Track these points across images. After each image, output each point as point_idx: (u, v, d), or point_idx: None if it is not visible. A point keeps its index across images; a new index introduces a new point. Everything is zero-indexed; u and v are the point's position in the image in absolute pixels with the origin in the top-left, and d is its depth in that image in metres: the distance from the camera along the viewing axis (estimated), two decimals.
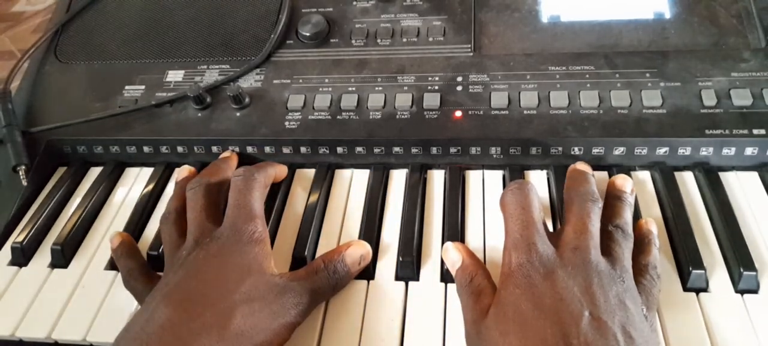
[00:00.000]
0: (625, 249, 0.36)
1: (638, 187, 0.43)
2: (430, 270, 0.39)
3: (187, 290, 0.35)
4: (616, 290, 0.33)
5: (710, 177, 0.42)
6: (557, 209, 0.42)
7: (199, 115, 0.49)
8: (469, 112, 0.46)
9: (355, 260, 0.39)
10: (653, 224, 0.39)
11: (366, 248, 0.40)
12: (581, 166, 0.42)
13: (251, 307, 0.34)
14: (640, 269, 0.36)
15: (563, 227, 0.37)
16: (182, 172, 0.46)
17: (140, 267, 0.41)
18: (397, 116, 0.46)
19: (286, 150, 0.48)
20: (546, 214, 0.42)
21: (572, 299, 0.31)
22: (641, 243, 0.37)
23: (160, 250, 0.42)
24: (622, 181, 0.40)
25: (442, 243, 0.41)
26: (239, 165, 0.46)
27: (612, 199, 0.39)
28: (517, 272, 0.34)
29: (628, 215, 0.38)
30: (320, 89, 0.49)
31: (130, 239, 0.43)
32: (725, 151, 0.42)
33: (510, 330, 0.32)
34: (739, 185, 0.42)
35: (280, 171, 0.46)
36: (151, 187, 0.48)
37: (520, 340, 0.31)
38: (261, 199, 0.41)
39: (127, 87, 0.52)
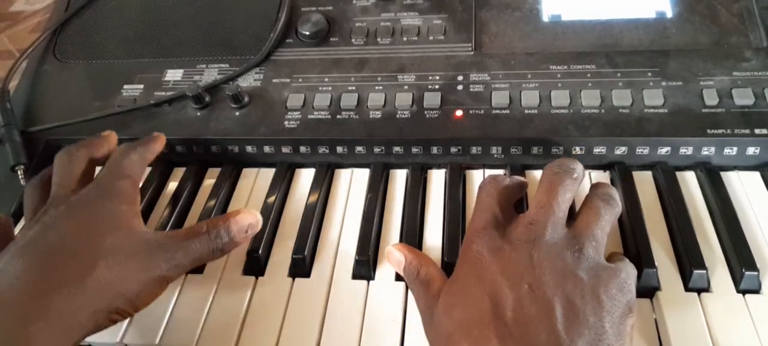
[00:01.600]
0: (601, 217, 0.34)
1: (640, 187, 0.43)
2: None
3: (45, 242, 0.33)
4: (566, 262, 0.31)
5: (712, 177, 0.42)
6: None
7: (198, 114, 0.49)
8: (470, 112, 0.45)
9: (241, 227, 0.37)
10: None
11: (256, 217, 0.39)
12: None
13: (116, 258, 0.33)
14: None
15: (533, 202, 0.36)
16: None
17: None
18: (398, 116, 0.46)
19: (285, 149, 0.47)
20: None
21: (513, 271, 0.31)
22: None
23: None
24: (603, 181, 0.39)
25: (443, 243, 0.40)
26: (238, 163, 0.46)
27: (596, 186, 0.38)
28: (467, 250, 0.34)
29: (614, 191, 0.37)
30: (320, 88, 0.49)
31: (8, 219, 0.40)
32: (727, 150, 0.42)
33: (455, 304, 0.32)
34: (741, 185, 0.42)
35: (159, 142, 0.44)
36: (150, 186, 0.48)
37: (461, 312, 0.31)
38: (139, 166, 0.40)
39: (125, 86, 0.52)
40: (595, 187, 0.37)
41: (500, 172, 0.45)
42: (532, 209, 0.35)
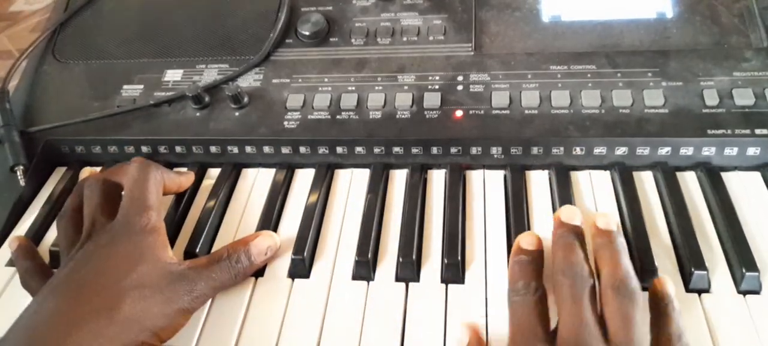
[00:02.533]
0: (633, 319, 0.31)
1: (640, 187, 0.43)
2: (430, 271, 0.39)
3: (76, 279, 0.35)
4: None
5: (712, 177, 0.42)
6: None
7: (198, 114, 0.49)
8: (470, 112, 0.45)
9: (261, 250, 0.39)
10: (670, 284, 0.33)
11: (274, 239, 0.40)
12: (566, 214, 0.37)
13: (142, 292, 0.34)
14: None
15: (559, 318, 0.33)
16: (86, 172, 0.47)
17: (37, 266, 0.41)
18: (397, 116, 0.46)
19: (285, 150, 0.47)
20: (544, 216, 0.42)
21: None
22: (657, 309, 0.33)
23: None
24: (604, 221, 0.36)
25: (443, 243, 0.40)
26: (237, 164, 0.45)
27: (600, 248, 0.35)
28: None
29: (625, 263, 0.33)
30: (320, 89, 0.49)
31: (28, 242, 0.43)
32: (727, 151, 0.42)
33: None
34: (742, 185, 0.42)
35: (185, 180, 0.46)
36: None
37: None
38: (157, 192, 0.40)
39: (125, 87, 0.52)
40: (608, 279, 0.33)
41: (500, 172, 0.45)
42: (565, 327, 0.32)
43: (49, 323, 0.33)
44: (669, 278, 0.34)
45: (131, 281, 0.34)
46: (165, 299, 0.35)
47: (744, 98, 0.43)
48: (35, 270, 0.40)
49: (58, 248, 0.41)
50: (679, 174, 0.43)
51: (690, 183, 0.43)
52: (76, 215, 0.41)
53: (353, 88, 0.48)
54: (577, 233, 0.36)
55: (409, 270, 0.39)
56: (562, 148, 0.44)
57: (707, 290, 0.36)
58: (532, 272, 0.35)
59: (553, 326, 0.33)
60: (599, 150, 0.43)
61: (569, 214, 0.37)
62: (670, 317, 0.32)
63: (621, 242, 0.35)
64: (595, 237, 0.36)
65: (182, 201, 0.46)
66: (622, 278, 0.32)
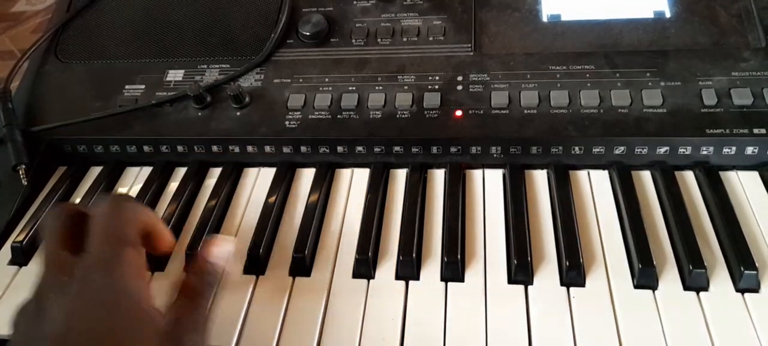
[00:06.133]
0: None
1: (638, 186, 0.43)
2: (430, 270, 0.39)
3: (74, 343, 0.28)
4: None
5: (711, 176, 0.42)
6: (557, 210, 0.42)
7: (200, 114, 0.49)
8: (470, 112, 0.45)
9: (222, 258, 0.34)
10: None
11: (228, 242, 0.35)
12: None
13: None
14: None
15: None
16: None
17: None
18: (398, 116, 0.46)
19: (286, 149, 0.48)
20: (543, 215, 0.42)
21: None
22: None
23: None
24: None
25: (443, 242, 0.41)
26: (239, 163, 0.45)
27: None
28: None
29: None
30: (320, 89, 0.49)
31: None
32: (726, 150, 0.42)
33: None
34: (740, 184, 0.42)
35: (166, 239, 0.36)
36: (151, 186, 0.48)
37: None
38: (134, 227, 0.33)
39: (127, 86, 0.52)
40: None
41: (499, 172, 0.45)
42: None
43: None
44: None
45: None
46: None
47: (742, 98, 0.43)
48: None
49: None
50: (677, 173, 0.43)
51: (688, 182, 0.43)
52: (73, 220, 0.33)
53: (354, 88, 0.48)
54: None
55: (409, 268, 0.39)
56: (560, 148, 0.44)
57: (705, 289, 0.37)
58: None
59: None
60: (598, 149, 0.44)
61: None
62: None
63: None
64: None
65: (183, 201, 0.46)
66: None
